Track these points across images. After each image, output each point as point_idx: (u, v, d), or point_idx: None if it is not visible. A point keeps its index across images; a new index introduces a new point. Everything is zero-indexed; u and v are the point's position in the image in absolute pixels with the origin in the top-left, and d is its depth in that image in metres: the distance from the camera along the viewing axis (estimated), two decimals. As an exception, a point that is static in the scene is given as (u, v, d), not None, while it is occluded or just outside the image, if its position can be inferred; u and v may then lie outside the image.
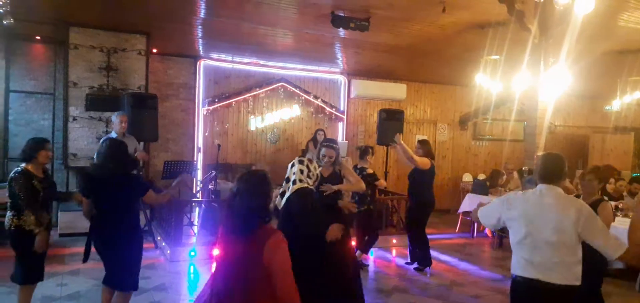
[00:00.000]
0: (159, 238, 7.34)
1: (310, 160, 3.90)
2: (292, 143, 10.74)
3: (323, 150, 4.63)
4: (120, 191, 4.02)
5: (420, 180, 6.76)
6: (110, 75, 8.06)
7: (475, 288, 6.26)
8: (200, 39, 8.57)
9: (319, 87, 10.96)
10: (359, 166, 6.77)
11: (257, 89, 10.28)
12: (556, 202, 2.99)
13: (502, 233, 8.01)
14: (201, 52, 9.53)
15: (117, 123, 6.50)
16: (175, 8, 6.74)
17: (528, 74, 6.57)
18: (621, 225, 6.59)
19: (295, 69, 10.56)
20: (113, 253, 4.07)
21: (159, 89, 9.30)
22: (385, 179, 7.09)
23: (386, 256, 7.57)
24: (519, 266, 3.07)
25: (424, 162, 6.65)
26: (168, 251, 6.82)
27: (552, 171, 3.09)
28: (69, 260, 6.49)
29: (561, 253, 2.94)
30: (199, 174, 9.57)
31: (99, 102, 7.99)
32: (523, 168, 7.70)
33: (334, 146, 4.67)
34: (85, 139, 7.97)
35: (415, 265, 6.96)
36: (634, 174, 9.35)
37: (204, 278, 6.21)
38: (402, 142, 6.76)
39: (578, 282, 2.97)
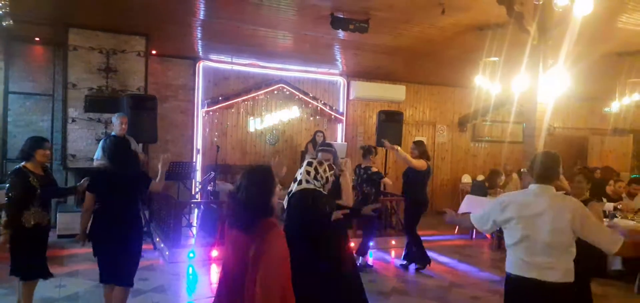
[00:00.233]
0: (157, 239, 7.34)
1: (320, 162, 3.81)
2: (291, 144, 10.74)
3: (319, 154, 4.62)
4: (129, 187, 4.25)
5: (414, 180, 6.78)
6: (110, 76, 8.06)
7: (474, 289, 6.25)
8: (199, 41, 8.57)
9: (318, 89, 10.96)
10: (363, 166, 6.75)
11: (256, 90, 10.29)
12: (551, 203, 2.99)
13: (500, 235, 8.02)
14: (200, 53, 9.53)
15: (117, 124, 6.50)
16: (175, 9, 6.74)
17: (527, 76, 6.57)
18: (622, 226, 6.60)
19: (294, 71, 10.56)
20: (119, 248, 4.16)
21: (158, 90, 9.29)
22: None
23: (385, 258, 7.57)
24: (516, 266, 3.07)
25: (420, 164, 6.66)
26: (167, 253, 6.81)
27: (547, 170, 3.09)
28: (68, 261, 6.48)
29: (558, 252, 2.96)
30: (198, 176, 9.56)
31: (98, 103, 7.98)
32: (522, 170, 7.71)
33: (331, 149, 4.66)
34: (84, 140, 7.96)
35: (414, 265, 6.97)
36: (632, 176, 9.36)
37: (203, 279, 6.22)
38: (396, 147, 6.78)
39: (572, 279, 3.00)
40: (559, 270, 2.95)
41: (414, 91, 11.93)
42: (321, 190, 3.72)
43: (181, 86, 9.83)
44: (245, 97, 10.22)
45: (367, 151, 6.86)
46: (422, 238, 7.02)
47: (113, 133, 6.48)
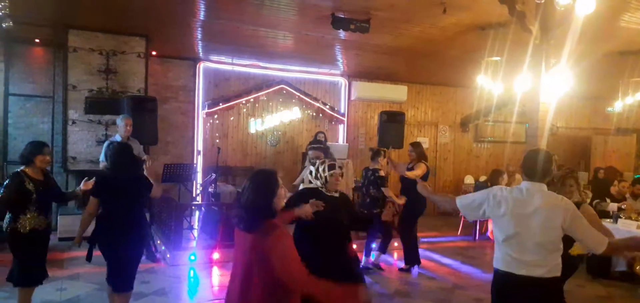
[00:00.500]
0: (158, 242, 7.30)
1: (322, 162, 3.88)
2: (293, 145, 10.70)
3: (310, 152, 4.58)
4: (133, 191, 4.30)
5: (413, 182, 6.70)
6: (110, 78, 8.04)
7: (477, 291, 6.21)
8: (199, 41, 8.55)
9: (319, 90, 10.93)
10: (371, 168, 6.67)
11: (257, 91, 10.26)
12: (543, 202, 2.99)
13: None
14: (201, 54, 9.50)
15: (122, 126, 6.46)
16: (175, 10, 6.71)
17: (529, 75, 6.53)
18: (624, 227, 6.56)
19: (295, 71, 10.53)
20: (122, 252, 4.20)
21: (159, 91, 9.27)
22: (387, 182, 7.03)
23: (387, 260, 7.51)
24: (505, 262, 3.07)
25: (422, 170, 6.61)
26: (168, 256, 6.78)
27: (539, 169, 3.08)
28: (69, 265, 6.46)
29: (547, 251, 2.97)
30: (199, 177, 9.53)
31: (98, 105, 7.96)
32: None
33: (321, 146, 4.61)
34: (85, 142, 7.94)
35: (417, 268, 6.93)
36: (636, 176, 9.30)
37: (204, 282, 6.19)
38: (395, 163, 6.72)
39: (559, 273, 3.02)
40: (547, 266, 2.97)
41: (415, 92, 11.89)
42: (322, 189, 3.77)
43: (181, 87, 9.80)
44: (246, 98, 10.19)
45: (376, 154, 6.78)
46: (425, 239, 6.98)
47: (117, 135, 6.43)
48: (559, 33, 6.20)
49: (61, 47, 8.14)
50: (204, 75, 9.85)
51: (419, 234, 7.45)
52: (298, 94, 10.60)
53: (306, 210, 3.46)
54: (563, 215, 2.94)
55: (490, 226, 8.82)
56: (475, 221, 8.98)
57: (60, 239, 7.43)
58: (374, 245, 7.14)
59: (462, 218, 9.54)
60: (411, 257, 6.91)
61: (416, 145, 7.00)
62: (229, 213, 7.03)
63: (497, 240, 3.14)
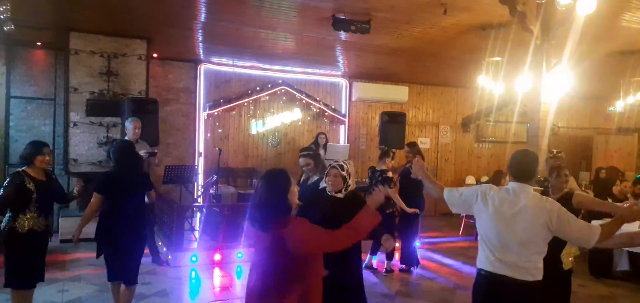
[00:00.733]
0: (160, 243, 7.31)
1: (333, 167, 3.93)
2: (294, 146, 10.70)
3: (301, 160, 4.58)
4: (137, 188, 4.51)
5: (412, 181, 6.69)
6: (111, 80, 8.05)
7: (478, 291, 6.19)
8: (200, 43, 8.55)
9: (320, 91, 10.93)
10: (378, 169, 6.66)
11: (258, 92, 10.26)
12: (529, 203, 2.97)
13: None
14: (202, 56, 9.51)
15: (130, 128, 6.47)
16: (176, 12, 6.72)
17: (530, 76, 6.53)
18: (626, 227, 6.55)
19: (296, 73, 10.53)
20: (125, 248, 4.36)
21: (160, 93, 9.29)
22: (394, 184, 7.03)
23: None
24: (488, 262, 3.05)
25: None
26: (169, 257, 6.78)
27: (524, 170, 3.08)
28: (70, 266, 6.47)
29: (530, 251, 2.95)
30: (200, 179, 9.53)
31: (99, 107, 7.97)
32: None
33: (310, 153, 4.60)
34: (86, 144, 7.95)
35: (416, 268, 6.93)
36: (637, 176, 9.29)
37: (206, 283, 6.19)
38: (396, 167, 6.71)
39: (541, 276, 3.00)
40: (529, 268, 2.95)
41: (416, 92, 11.89)
42: (329, 190, 3.84)
43: (182, 89, 9.81)
44: (247, 99, 10.20)
45: (384, 154, 6.74)
46: (426, 240, 6.97)
47: (126, 138, 6.45)
48: (560, 33, 6.20)
49: (62, 49, 8.15)
50: (204, 77, 9.86)
51: (420, 234, 7.45)
52: (299, 95, 10.60)
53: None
54: (549, 215, 2.92)
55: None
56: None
57: (62, 241, 7.44)
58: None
59: (464, 218, 9.54)
60: (410, 258, 6.89)
61: (412, 145, 7.05)
62: (232, 214, 7.06)
63: (481, 238, 3.13)
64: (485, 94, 8.86)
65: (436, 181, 3.50)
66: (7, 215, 4.10)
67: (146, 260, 6.44)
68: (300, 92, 10.62)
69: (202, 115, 9.84)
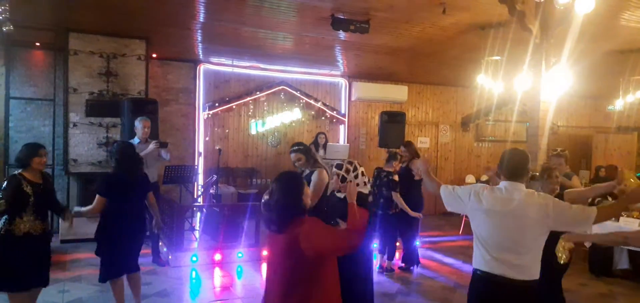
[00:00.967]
0: (160, 243, 7.30)
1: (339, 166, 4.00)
2: (294, 146, 10.69)
3: (292, 155, 4.58)
4: (139, 189, 4.66)
5: (410, 181, 6.71)
6: (110, 80, 8.05)
7: (479, 290, 6.20)
8: (200, 43, 8.56)
9: (319, 90, 10.93)
10: (385, 170, 6.64)
11: (258, 92, 10.26)
12: (523, 200, 2.98)
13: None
14: (201, 56, 9.51)
15: (139, 128, 6.47)
16: (175, 12, 6.72)
17: (530, 75, 6.53)
18: (626, 225, 6.56)
19: (295, 72, 10.53)
20: (129, 243, 4.58)
21: (159, 94, 9.29)
22: (399, 187, 7.02)
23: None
24: (484, 261, 3.05)
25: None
26: (170, 257, 6.79)
27: (517, 168, 3.08)
28: (71, 267, 6.46)
29: (526, 250, 2.96)
30: (200, 179, 9.53)
31: (99, 108, 7.97)
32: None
33: (301, 148, 4.59)
34: (86, 145, 7.95)
35: (416, 267, 6.94)
36: (637, 174, 9.29)
37: (206, 283, 6.19)
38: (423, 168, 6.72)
39: (538, 276, 3.00)
40: (526, 267, 2.95)
41: (416, 92, 11.89)
42: (336, 193, 3.95)
43: (182, 89, 9.81)
44: (247, 99, 10.20)
45: (392, 157, 6.71)
46: (426, 239, 6.98)
47: (136, 137, 6.45)
48: (559, 32, 6.20)
49: (62, 50, 8.14)
50: (204, 77, 9.86)
51: (420, 233, 7.46)
52: (298, 95, 10.60)
53: None
54: (544, 209, 2.93)
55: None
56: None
57: (62, 241, 7.44)
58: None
59: (464, 218, 9.55)
60: (410, 257, 6.90)
61: (408, 144, 7.08)
62: (232, 214, 7.07)
63: (477, 238, 3.12)
64: (485, 93, 8.86)
65: (435, 178, 3.52)
66: (3, 218, 4.03)
67: (146, 260, 6.46)
68: (300, 92, 10.62)
69: (201, 115, 9.84)
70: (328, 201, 4.19)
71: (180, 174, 7.71)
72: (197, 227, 7.76)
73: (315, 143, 9.72)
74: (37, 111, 8.74)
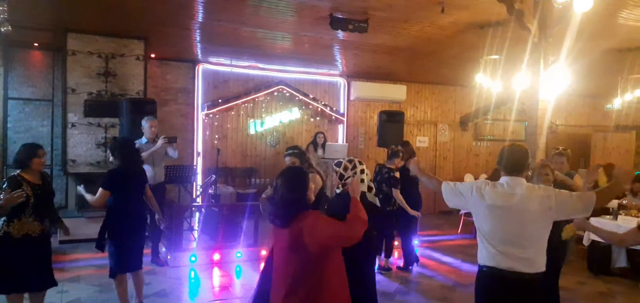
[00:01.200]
0: (160, 243, 7.30)
1: (345, 166, 3.99)
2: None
3: (287, 159, 4.58)
4: (138, 183, 4.75)
5: (409, 180, 6.71)
6: (109, 81, 8.05)
7: (478, 289, 6.20)
8: (198, 43, 8.55)
9: (318, 90, 10.93)
10: (386, 166, 6.64)
11: (256, 92, 10.25)
12: (525, 194, 3.01)
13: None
14: (199, 56, 9.51)
15: (147, 127, 6.47)
16: (174, 12, 6.72)
17: (528, 73, 6.54)
18: (624, 223, 6.57)
19: (294, 72, 10.53)
20: (132, 239, 4.66)
21: (158, 94, 9.28)
22: (399, 184, 7.03)
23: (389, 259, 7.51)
24: (490, 256, 3.06)
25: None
26: (169, 257, 6.78)
27: (517, 163, 3.12)
28: (69, 267, 6.44)
29: (531, 243, 2.99)
30: (199, 179, 9.53)
31: (97, 108, 7.97)
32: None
33: (296, 151, 4.59)
34: (84, 145, 7.94)
35: (415, 266, 6.95)
36: (636, 173, 9.31)
37: (205, 283, 6.19)
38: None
39: (544, 269, 3.04)
40: (532, 260, 2.98)
41: (415, 91, 11.89)
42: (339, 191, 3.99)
43: (180, 89, 9.80)
44: (245, 99, 10.19)
45: (394, 154, 6.71)
46: (425, 238, 6.98)
47: (144, 137, 6.45)
48: (558, 31, 6.21)
49: (60, 50, 8.14)
50: (203, 77, 9.86)
51: (419, 233, 7.46)
52: (297, 94, 10.59)
53: None
54: (547, 201, 2.97)
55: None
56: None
57: (61, 242, 7.41)
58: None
59: (462, 216, 9.55)
60: (409, 256, 6.92)
61: (405, 144, 7.13)
62: (231, 214, 7.07)
63: (481, 234, 3.14)
64: (483, 92, 8.87)
65: (434, 176, 3.54)
66: (2, 219, 3.99)
67: (145, 259, 6.44)
68: (299, 91, 10.61)
69: (200, 115, 9.83)
70: (327, 202, 4.22)
71: (179, 175, 7.71)
72: (196, 227, 7.75)
73: (314, 142, 9.72)
74: (35, 111, 8.73)
